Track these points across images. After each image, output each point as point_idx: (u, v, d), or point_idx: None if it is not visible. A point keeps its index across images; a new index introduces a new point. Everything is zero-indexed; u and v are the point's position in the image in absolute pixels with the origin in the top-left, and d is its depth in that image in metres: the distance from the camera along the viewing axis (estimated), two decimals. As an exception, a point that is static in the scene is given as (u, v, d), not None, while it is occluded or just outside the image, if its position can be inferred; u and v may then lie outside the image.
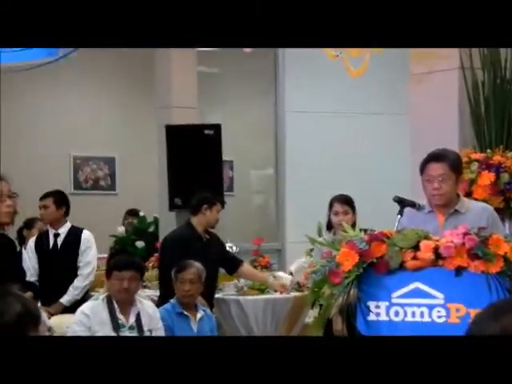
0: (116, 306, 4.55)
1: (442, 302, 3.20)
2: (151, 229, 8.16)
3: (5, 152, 7.54)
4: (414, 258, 3.26)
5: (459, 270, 3.17)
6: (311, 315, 5.71)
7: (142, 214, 8.50)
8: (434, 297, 3.21)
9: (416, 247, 3.27)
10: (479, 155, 5.08)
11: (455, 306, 3.18)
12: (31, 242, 6.00)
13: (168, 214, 7.34)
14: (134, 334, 4.51)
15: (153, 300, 5.36)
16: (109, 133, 9.83)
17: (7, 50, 7.00)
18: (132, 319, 4.57)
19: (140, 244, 8.01)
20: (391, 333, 3.19)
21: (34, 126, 9.45)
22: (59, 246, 5.83)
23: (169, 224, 7.03)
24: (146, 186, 8.75)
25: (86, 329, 4.47)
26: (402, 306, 3.26)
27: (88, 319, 4.50)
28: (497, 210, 4.29)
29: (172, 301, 5.02)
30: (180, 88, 7.46)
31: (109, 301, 4.57)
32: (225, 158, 7.52)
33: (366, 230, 3.50)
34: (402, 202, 3.82)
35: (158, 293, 5.86)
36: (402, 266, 3.27)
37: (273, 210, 8.54)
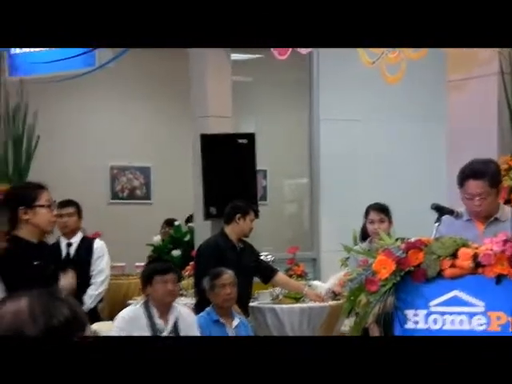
0: (155, 310, 4.58)
1: (482, 309, 3.15)
2: (187, 238, 8.18)
3: (43, 162, 7.63)
4: (452, 265, 3.21)
5: (499, 278, 3.12)
6: (347, 324, 5.66)
7: (177, 223, 8.54)
8: (473, 305, 3.16)
9: (454, 255, 3.22)
10: (519, 162, 5.01)
11: (496, 314, 3.13)
12: None
13: (203, 223, 7.36)
14: (172, 339, 4.53)
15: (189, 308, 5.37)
16: (144, 142, 9.90)
17: (46, 60, 7.09)
18: (170, 324, 4.59)
19: (176, 253, 8.06)
20: (430, 341, 3.15)
21: (71, 137, 9.54)
22: (72, 255, 5.74)
23: (204, 233, 7.04)
24: (180, 195, 8.78)
25: (125, 334, 4.49)
26: (441, 314, 3.22)
27: (127, 324, 4.52)
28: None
29: (208, 309, 5.02)
30: (215, 97, 7.48)
31: (147, 306, 4.59)
32: (258, 167, 7.49)
33: (402, 239, 3.47)
34: (441, 210, 3.77)
35: (193, 301, 5.87)
36: (439, 274, 3.22)
37: (306, 219, 8.50)
